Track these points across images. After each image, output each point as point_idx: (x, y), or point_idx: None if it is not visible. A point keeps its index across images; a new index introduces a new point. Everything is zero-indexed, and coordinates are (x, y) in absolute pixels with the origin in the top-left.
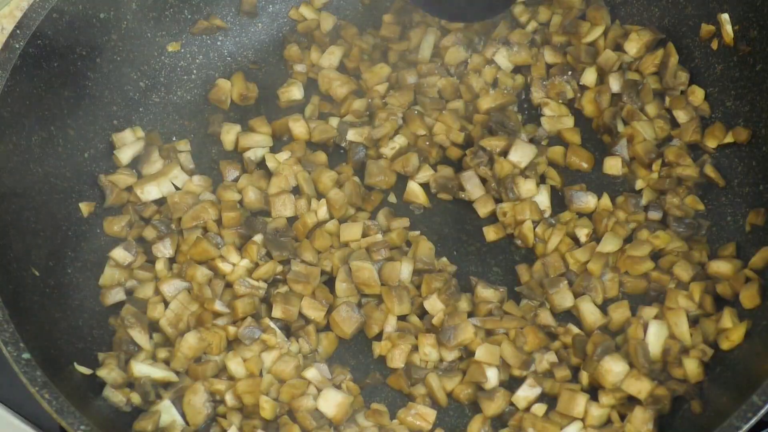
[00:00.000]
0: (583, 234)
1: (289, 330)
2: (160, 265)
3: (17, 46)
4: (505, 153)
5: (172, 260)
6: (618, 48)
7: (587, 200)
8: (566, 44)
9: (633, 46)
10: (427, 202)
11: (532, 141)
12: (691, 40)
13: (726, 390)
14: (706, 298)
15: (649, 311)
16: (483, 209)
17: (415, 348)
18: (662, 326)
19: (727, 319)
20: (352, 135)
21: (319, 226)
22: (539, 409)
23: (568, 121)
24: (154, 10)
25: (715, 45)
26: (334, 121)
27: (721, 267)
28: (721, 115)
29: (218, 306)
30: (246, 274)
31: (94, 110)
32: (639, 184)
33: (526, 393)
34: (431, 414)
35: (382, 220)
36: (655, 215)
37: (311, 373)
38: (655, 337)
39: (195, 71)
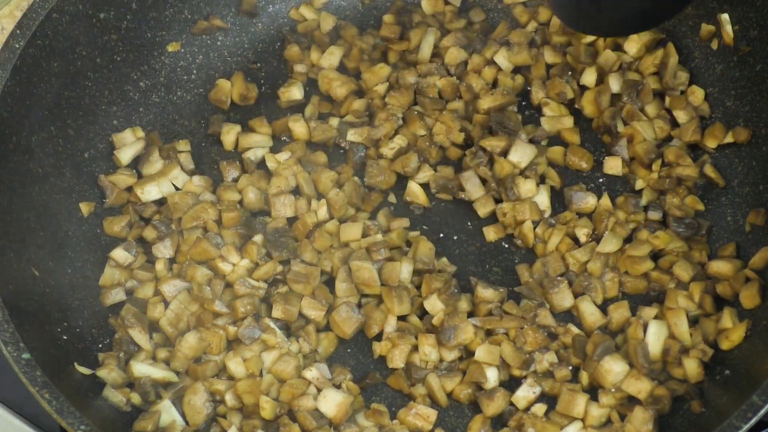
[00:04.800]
0: (583, 234)
1: (289, 330)
2: (160, 266)
3: (17, 46)
4: (505, 153)
5: (172, 260)
6: (618, 48)
7: (587, 200)
8: (566, 44)
9: (633, 46)
10: (427, 202)
11: (532, 141)
12: (691, 40)
13: (726, 390)
14: (706, 298)
15: (649, 311)
16: (483, 209)
17: (415, 348)
18: (662, 326)
19: (727, 319)
20: (352, 135)
21: (319, 226)
22: (539, 409)
23: (568, 121)
24: (154, 10)
25: (715, 45)
26: (334, 121)
27: (721, 267)
28: (721, 115)
29: (218, 306)
30: (246, 274)
31: (94, 110)
32: (639, 184)
33: (526, 393)
34: (431, 414)
35: (382, 220)
36: (655, 215)
37: (311, 373)
38: (655, 337)
39: (195, 71)
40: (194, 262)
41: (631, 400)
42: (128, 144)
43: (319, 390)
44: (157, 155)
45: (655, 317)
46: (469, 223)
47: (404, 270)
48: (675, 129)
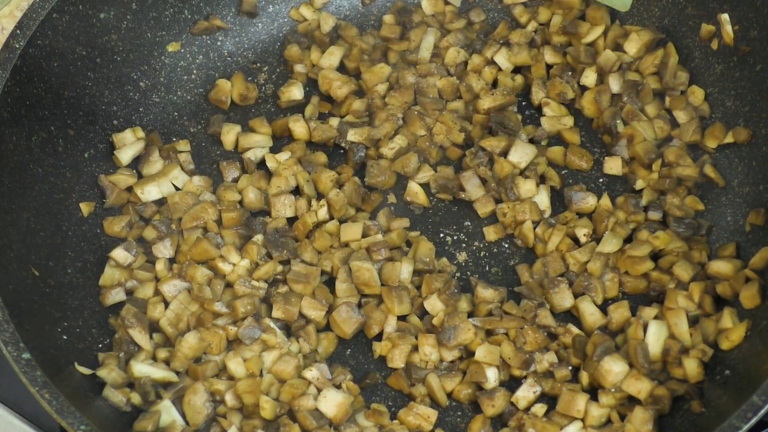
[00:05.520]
0: (583, 234)
1: (289, 330)
2: (160, 266)
3: (17, 46)
4: (505, 153)
5: (172, 260)
6: (618, 48)
7: (587, 200)
8: (566, 44)
9: (633, 46)
10: (427, 202)
11: (532, 141)
12: (691, 40)
13: (726, 390)
14: (706, 298)
15: (649, 311)
16: (483, 209)
17: (415, 348)
18: (662, 326)
19: (727, 319)
20: (352, 135)
21: (319, 226)
22: (539, 409)
23: (568, 121)
24: (154, 10)
25: (715, 45)
26: (334, 121)
27: (721, 267)
28: (721, 115)
29: (218, 306)
30: (246, 274)
31: (94, 110)
32: (639, 184)
33: (526, 393)
34: (432, 414)
35: (382, 220)
36: (655, 215)
37: (311, 373)
38: (655, 337)
39: (195, 71)
40: (194, 262)
41: (631, 400)
42: (128, 144)
43: (319, 390)
44: (157, 155)
45: (655, 317)
46: (469, 223)
47: (404, 270)
48: (675, 129)
